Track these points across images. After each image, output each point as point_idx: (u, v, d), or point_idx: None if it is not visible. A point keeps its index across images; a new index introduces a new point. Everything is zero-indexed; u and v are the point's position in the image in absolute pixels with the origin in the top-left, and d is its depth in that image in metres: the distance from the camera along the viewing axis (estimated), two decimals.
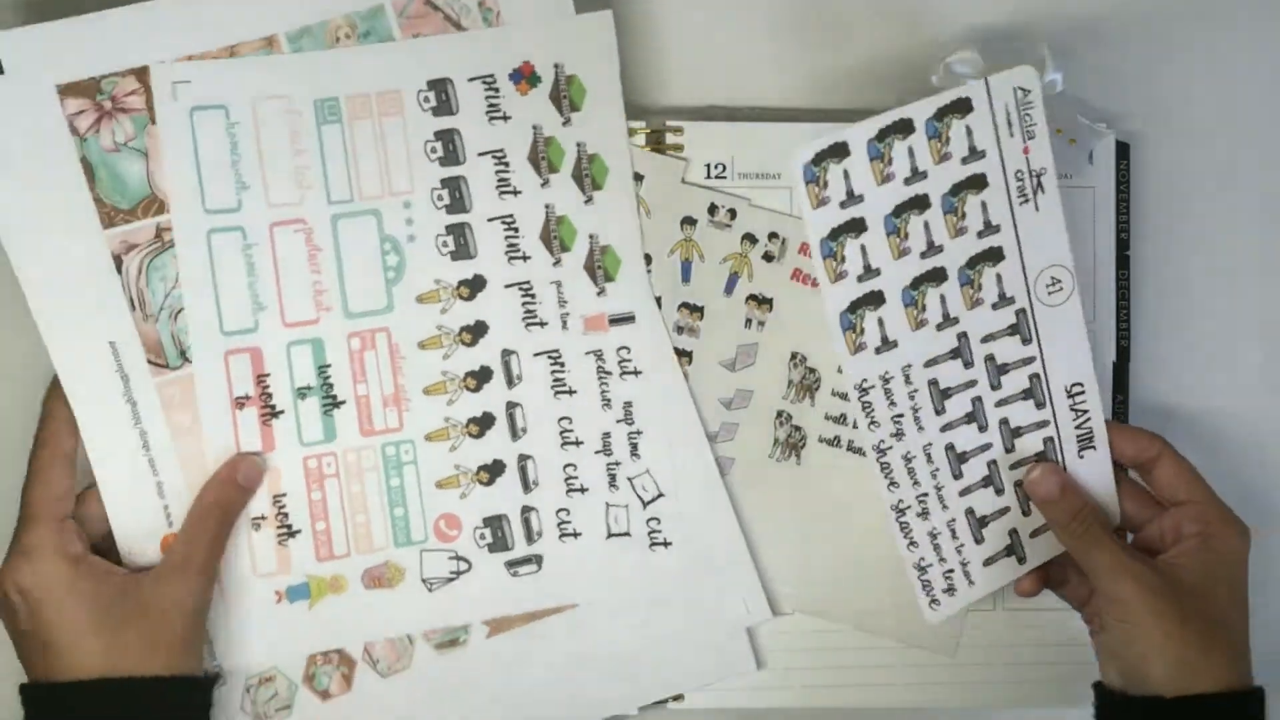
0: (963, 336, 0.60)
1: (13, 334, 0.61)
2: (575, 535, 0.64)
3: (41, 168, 0.60)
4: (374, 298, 0.62)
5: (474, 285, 0.63)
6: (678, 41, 0.65)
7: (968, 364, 0.60)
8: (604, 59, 0.63)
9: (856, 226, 0.58)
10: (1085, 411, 0.60)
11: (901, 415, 0.60)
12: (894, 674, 0.65)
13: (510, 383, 0.63)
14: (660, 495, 0.64)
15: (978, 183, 0.59)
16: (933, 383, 0.60)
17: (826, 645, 0.65)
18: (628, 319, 0.64)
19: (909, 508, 0.60)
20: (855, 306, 0.59)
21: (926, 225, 0.59)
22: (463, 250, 0.63)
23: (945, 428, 0.60)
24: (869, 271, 0.59)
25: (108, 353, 0.60)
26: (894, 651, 0.65)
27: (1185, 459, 0.60)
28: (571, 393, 0.63)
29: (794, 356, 0.64)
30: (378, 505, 0.63)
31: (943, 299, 0.59)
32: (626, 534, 0.64)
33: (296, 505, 0.62)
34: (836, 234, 0.58)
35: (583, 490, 0.64)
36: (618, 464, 0.64)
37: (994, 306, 0.60)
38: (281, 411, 0.62)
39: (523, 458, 0.63)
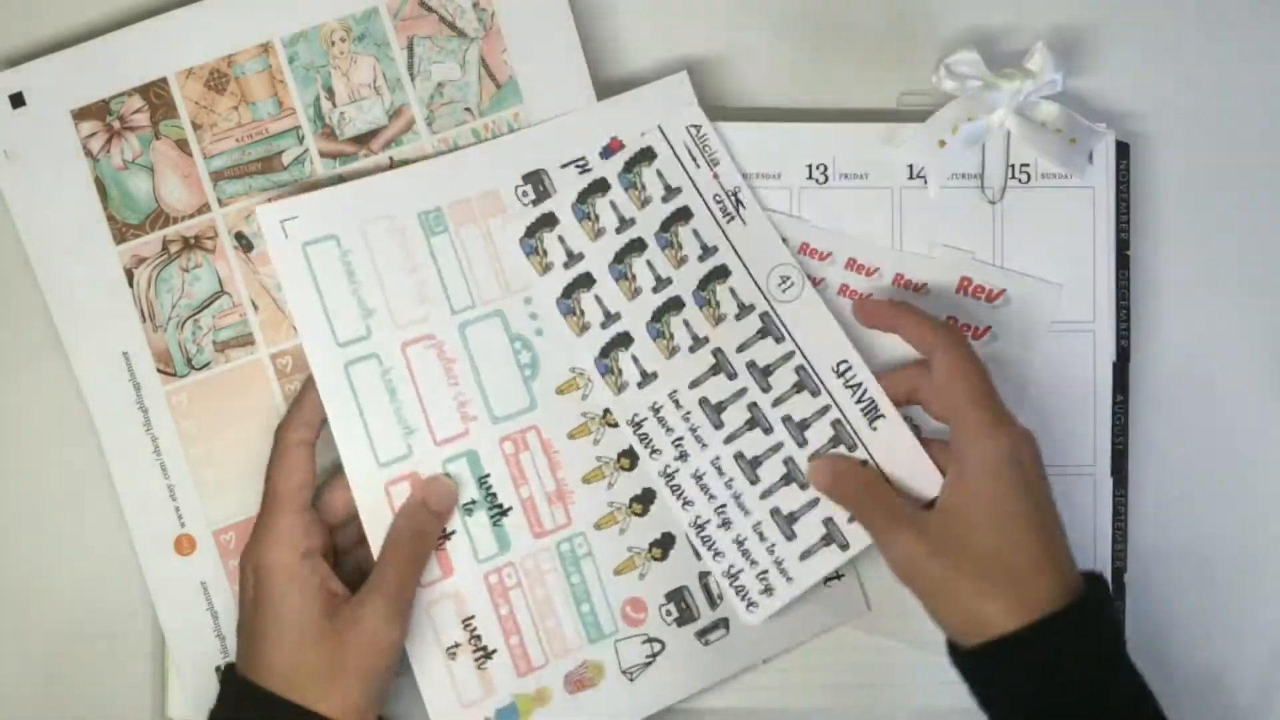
0: (718, 352, 0.63)
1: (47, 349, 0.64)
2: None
3: (61, 190, 0.63)
4: (516, 398, 0.63)
5: None
6: (678, 43, 0.67)
7: (731, 375, 0.63)
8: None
9: (585, 281, 0.63)
10: (859, 385, 0.62)
11: (681, 438, 0.62)
12: (894, 674, 0.64)
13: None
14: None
15: (683, 215, 0.63)
16: (703, 401, 0.63)
17: (827, 645, 0.64)
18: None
19: (708, 521, 0.62)
20: (606, 351, 0.63)
21: (649, 263, 0.63)
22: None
23: (729, 439, 0.62)
24: (609, 317, 0.63)
25: (121, 362, 0.63)
26: (894, 651, 0.64)
27: (964, 350, 0.58)
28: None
29: None
30: (564, 606, 0.62)
31: (686, 323, 0.63)
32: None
33: (487, 624, 0.62)
34: (569, 291, 0.63)
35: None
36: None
37: (737, 317, 0.63)
38: (453, 532, 0.62)
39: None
